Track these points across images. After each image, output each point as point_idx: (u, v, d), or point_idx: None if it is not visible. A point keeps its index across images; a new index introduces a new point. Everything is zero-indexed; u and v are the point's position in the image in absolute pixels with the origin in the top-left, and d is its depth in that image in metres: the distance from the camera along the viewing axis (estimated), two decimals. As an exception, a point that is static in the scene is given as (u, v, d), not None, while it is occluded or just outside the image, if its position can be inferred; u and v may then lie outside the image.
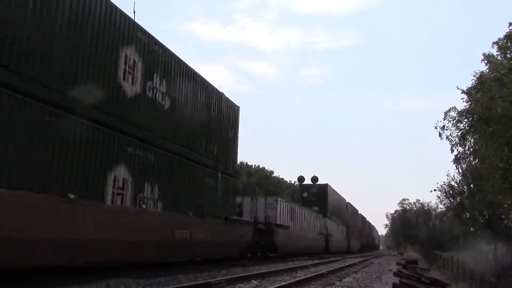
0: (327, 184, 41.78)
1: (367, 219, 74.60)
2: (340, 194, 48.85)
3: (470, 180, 24.27)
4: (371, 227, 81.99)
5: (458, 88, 21.02)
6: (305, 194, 41.15)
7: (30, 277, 8.91)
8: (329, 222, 39.00)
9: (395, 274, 17.28)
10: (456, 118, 22.50)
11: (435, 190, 28.38)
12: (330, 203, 40.73)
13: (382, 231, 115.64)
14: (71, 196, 9.09)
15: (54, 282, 8.68)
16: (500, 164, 16.45)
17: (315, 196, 40.32)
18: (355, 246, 53.05)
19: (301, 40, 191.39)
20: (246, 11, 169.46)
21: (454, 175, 27.04)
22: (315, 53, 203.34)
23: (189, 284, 10.03)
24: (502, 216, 19.70)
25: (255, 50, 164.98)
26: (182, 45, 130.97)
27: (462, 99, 21.80)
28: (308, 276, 14.16)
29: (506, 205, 17.50)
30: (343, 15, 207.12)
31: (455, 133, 22.85)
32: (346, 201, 51.37)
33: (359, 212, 62.94)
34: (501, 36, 18.99)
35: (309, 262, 21.27)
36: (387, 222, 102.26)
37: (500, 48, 19.00)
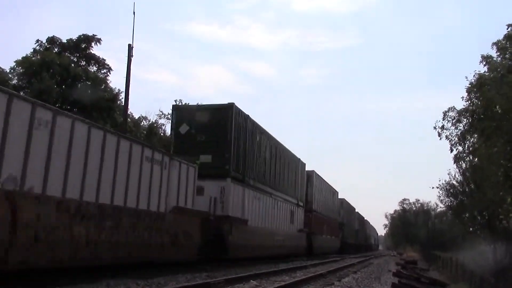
0: (233, 104, 18.14)
1: (357, 211, 58.98)
2: (298, 155, 28.32)
3: (470, 179, 24.28)
4: (364, 223, 69.38)
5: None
6: (183, 129, 18.07)
7: (30, 276, 8.88)
8: (236, 189, 17.64)
9: (394, 274, 17.23)
10: (456, 118, 22.54)
11: (437, 187, 28.41)
12: (241, 148, 18.59)
13: (381, 231, 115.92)
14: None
15: (54, 282, 8.66)
16: (502, 162, 16.45)
17: (207, 131, 17.78)
18: (326, 245, 36.08)
19: (300, 40, 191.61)
20: (245, 11, 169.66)
21: (455, 174, 27.08)
22: (315, 53, 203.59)
23: (189, 284, 10.00)
24: (501, 217, 19.73)
25: (255, 50, 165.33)
26: (181, 46, 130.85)
27: (462, 97, 21.84)
28: (307, 276, 14.15)
29: (505, 205, 17.51)
30: (342, 15, 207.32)
31: (455, 132, 22.89)
32: (311, 169, 31.59)
33: (342, 198, 45.25)
34: (500, 37, 19.09)
35: (308, 262, 21.24)
36: (387, 222, 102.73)
37: (499, 49, 19.06)
